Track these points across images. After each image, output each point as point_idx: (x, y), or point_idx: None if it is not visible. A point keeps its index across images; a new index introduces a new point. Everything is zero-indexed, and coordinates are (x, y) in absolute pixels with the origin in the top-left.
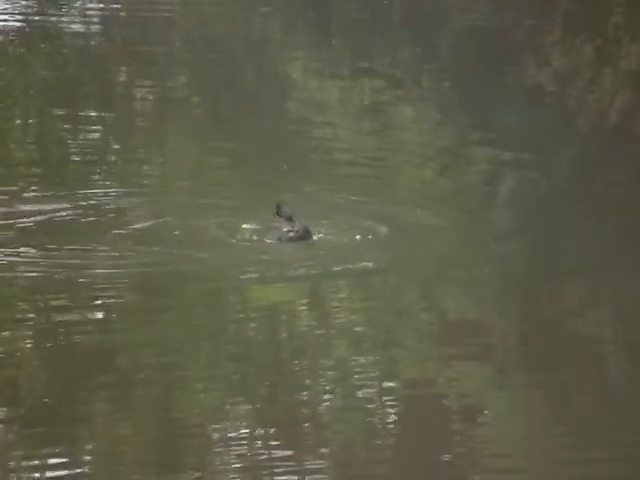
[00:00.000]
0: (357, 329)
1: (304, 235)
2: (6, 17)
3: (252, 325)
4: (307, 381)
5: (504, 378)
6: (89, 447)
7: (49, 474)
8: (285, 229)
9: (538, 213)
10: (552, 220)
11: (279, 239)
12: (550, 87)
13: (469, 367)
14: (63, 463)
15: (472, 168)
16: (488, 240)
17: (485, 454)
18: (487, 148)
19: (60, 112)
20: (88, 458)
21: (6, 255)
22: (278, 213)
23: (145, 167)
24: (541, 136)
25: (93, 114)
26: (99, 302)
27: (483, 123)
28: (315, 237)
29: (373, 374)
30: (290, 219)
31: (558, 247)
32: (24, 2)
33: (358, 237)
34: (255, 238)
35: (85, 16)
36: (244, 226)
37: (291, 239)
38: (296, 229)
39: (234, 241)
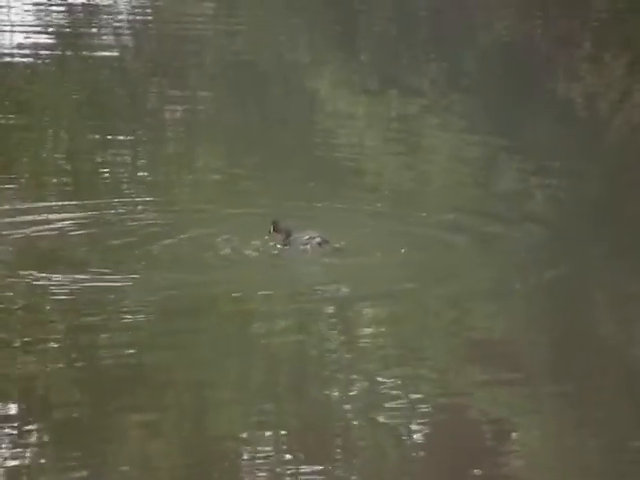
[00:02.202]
0: (385, 346)
1: (322, 244)
2: (37, 34)
3: (280, 343)
4: (335, 396)
5: (534, 391)
6: (119, 466)
7: (73, 476)
8: (306, 237)
9: (567, 226)
10: (581, 232)
11: (303, 248)
12: (580, 101)
13: (499, 381)
14: (91, 470)
15: (500, 182)
16: (518, 253)
17: (515, 468)
18: (515, 163)
19: (90, 128)
20: (118, 477)
21: (36, 278)
22: (275, 230)
23: (174, 183)
24: (570, 151)
25: (123, 129)
26: (128, 321)
27: (511, 137)
28: (336, 245)
29: (401, 390)
30: (289, 234)
31: (588, 258)
32: (55, 20)
33: (385, 251)
34: (279, 251)
35: (116, 32)
36: (269, 239)
37: (313, 248)
38: (315, 237)
39: (261, 256)
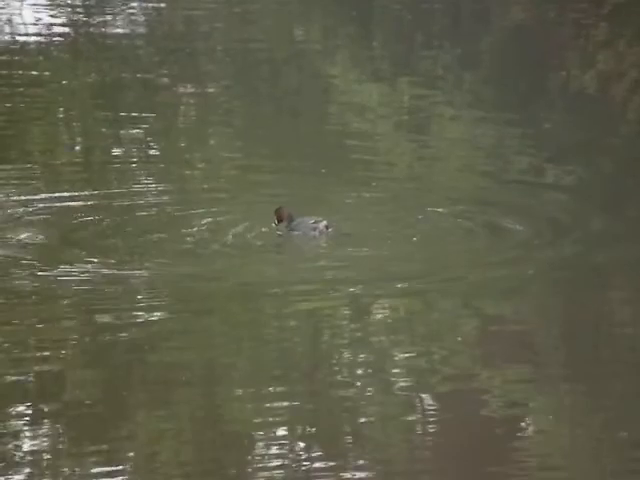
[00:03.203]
0: (397, 336)
1: (329, 227)
2: (51, 21)
3: (292, 328)
4: (348, 382)
5: (545, 377)
6: (129, 447)
7: (90, 472)
8: (311, 221)
9: (580, 215)
10: (594, 222)
11: (313, 233)
12: (594, 88)
13: (510, 367)
14: (103, 462)
15: (513, 170)
16: (531, 242)
17: (527, 454)
18: (528, 149)
19: (103, 114)
20: (128, 457)
21: (48, 270)
22: (278, 216)
23: (187, 171)
24: (585, 139)
25: (135, 116)
26: (141, 313)
27: (525, 124)
28: (347, 233)
29: (413, 375)
30: (291, 219)
31: (602, 248)
32: (69, 8)
33: (396, 240)
34: (288, 236)
35: (129, 19)
36: (277, 228)
37: (321, 232)
38: (320, 220)
39: (273, 244)
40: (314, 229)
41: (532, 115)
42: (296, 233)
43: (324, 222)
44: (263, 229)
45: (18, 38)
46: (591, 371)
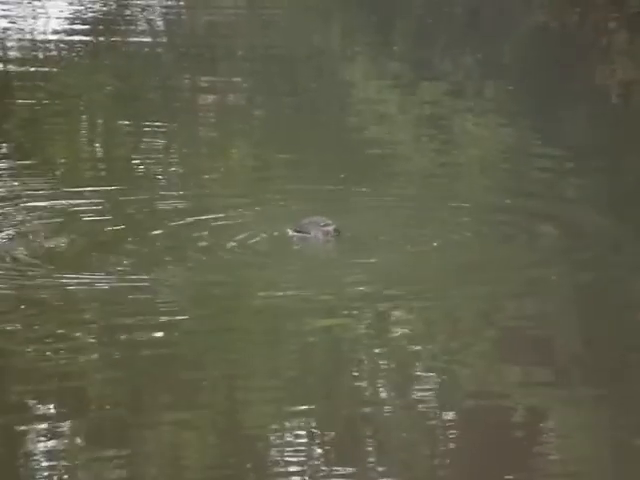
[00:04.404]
0: (415, 342)
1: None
2: (72, 26)
3: (311, 339)
4: (367, 393)
5: (568, 387)
6: (153, 461)
7: (110, 471)
8: (322, 223)
9: (604, 219)
10: (618, 226)
11: (321, 238)
12: (617, 90)
13: (531, 376)
14: (126, 468)
15: (535, 174)
16: (554, 246)
17: (548, 460)
18: (551, 153)
19: (124, 121)
20: (151, 463)
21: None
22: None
23: (206, 176)
24: (608, 142)
25: (156, 123)
26: (163, 310)
27: (545, 127)
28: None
29: (433, 387)
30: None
31: (626, 250)
32: (90, 15)
33: (416, 243)
34: (302, 240)
35: (150, 24)
36: (291, 233)
37: (329, 233)
38: (329, 222)
39: (291, 251)
40: (323, 233)
41: (554, 119)
42: (303, 235)
43: (333, 226)
44: (275, 233)
45: (40, 49)
46: (614, 376)
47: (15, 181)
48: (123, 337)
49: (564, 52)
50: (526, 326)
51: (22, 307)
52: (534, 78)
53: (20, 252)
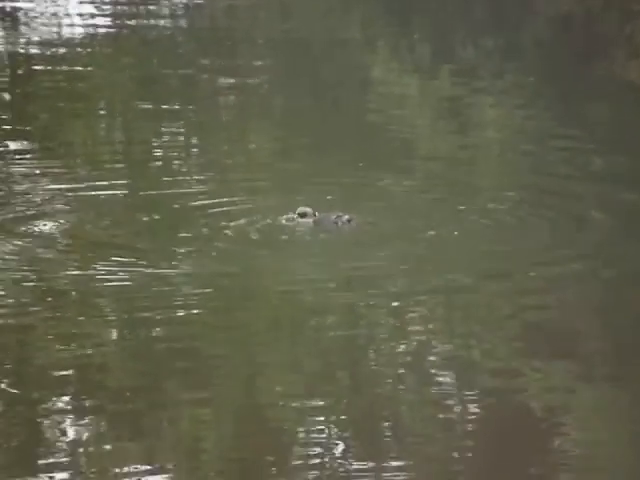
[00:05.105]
0: (436, 334)
1: (351, 221)
2: (94, 14)
3: (330, 322)
4: (386, 387)
5: (590, 374)
6: (171, 445)
7: (132, 468)
8: (333, 217)
9: (625, 208)
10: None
11: (339, 228)
12: (637, 80)
13: (554, 363)
14: (143, 451)
15: (557, 160)
16: (575, 237)
17: (569, 455)
18: (571, 142)
19: (145, 107)
20: (170, 455)
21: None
22: (300, 215)
23: (227, 161)
24: (629, 133)
25: (176, 106)
26: (180, 309)
27: (567, 118)
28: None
29: (453, 371)
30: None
31: None
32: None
33: (437, 233)
34: (317, 230)
35: (170, 12)
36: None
37: (343, 223)
38: (342, 214)
39: (311, 238)
40: (335, 222)
41: (575, 104)
42: (313, 220)
43: (346, 216)
44: (302, 223)
45: (62, 32)
46: (636, 369)
47: (36, 163)
48: (141, 327)
49: (587, 38)
50: (548, 315)
51: (48, 299)
52: (556, 63)
53: (41, 242)
